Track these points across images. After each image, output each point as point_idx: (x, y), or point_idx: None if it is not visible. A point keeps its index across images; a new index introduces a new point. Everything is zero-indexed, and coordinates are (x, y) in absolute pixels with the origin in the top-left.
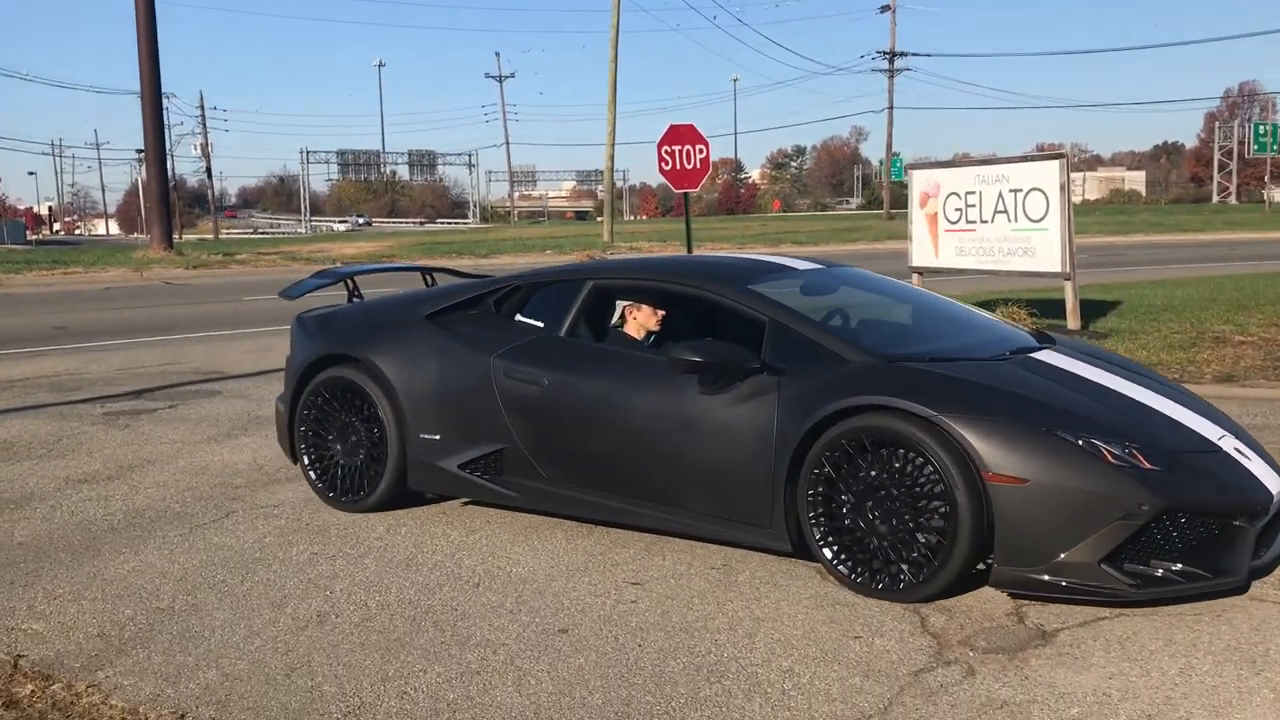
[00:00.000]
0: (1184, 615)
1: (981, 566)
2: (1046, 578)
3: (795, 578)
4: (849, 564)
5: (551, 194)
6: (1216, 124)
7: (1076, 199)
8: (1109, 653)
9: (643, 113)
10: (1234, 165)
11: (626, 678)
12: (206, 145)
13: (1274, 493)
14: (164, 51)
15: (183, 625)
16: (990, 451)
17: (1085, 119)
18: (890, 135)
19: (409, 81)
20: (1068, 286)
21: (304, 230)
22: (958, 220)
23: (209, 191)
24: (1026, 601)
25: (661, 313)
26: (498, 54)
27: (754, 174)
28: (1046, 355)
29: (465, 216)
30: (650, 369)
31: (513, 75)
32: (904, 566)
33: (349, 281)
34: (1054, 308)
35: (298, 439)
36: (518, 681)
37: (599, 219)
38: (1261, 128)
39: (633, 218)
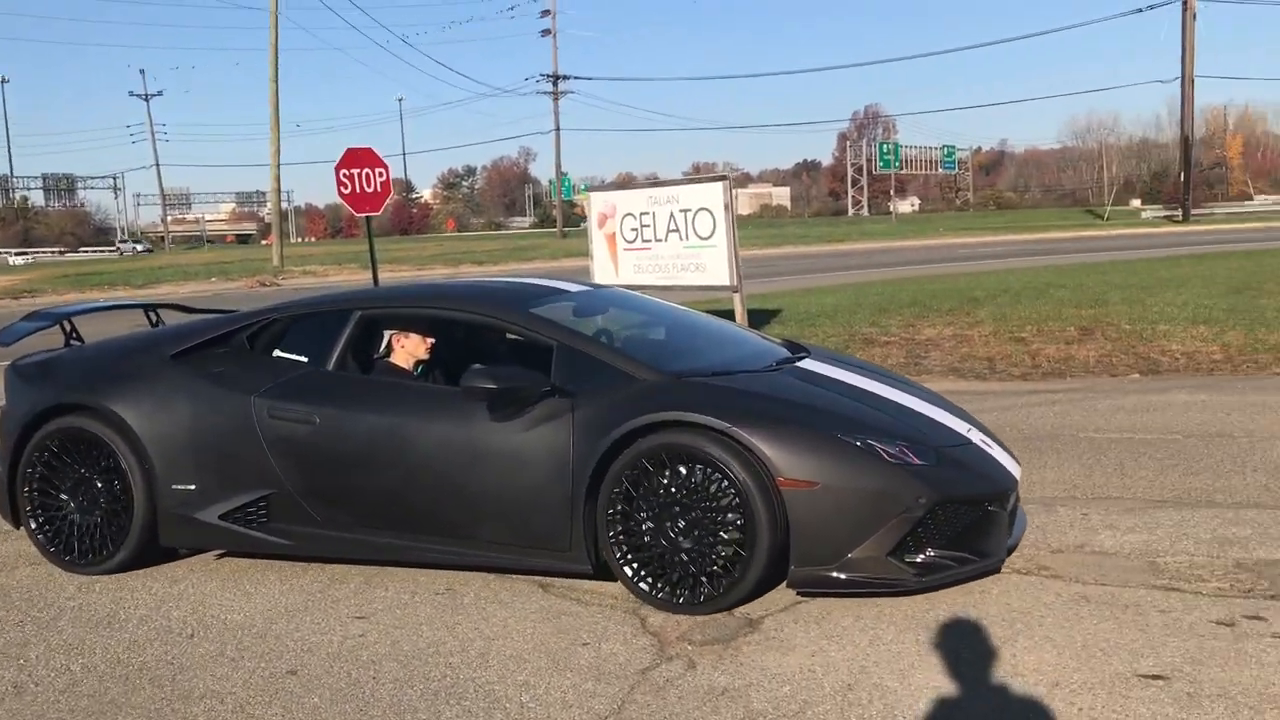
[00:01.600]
0: (860, 591)
1: None
2: (839, 575)
3: (519, 594)
4: (649, 580)
5: (210, 217)
6: (847, 143)
7: None
8: (809, 632)
9: (307, 133)
10: (864, 181)
11: (365, 710)
12: None
13: (1016, 477)
14: None
15: None
16: (782, 458)
17: (736, 139)
18: (558, 156)
19: (40, 101)
20: (736, 298)
21: None
22: (634, 239)
23: None
24: None
25: (431, 340)
26: (142, 71)
27: (426, 194)
28: (808, 364)
29: (111, 244)
30: (434, 399)
31: (160, 94)
32: (703, 579)
33: (65, 323)
34: (725, 319)
35: (20, 500)
36: None
37: (264, 242)
38: (885, 146)
39: (301, 240)
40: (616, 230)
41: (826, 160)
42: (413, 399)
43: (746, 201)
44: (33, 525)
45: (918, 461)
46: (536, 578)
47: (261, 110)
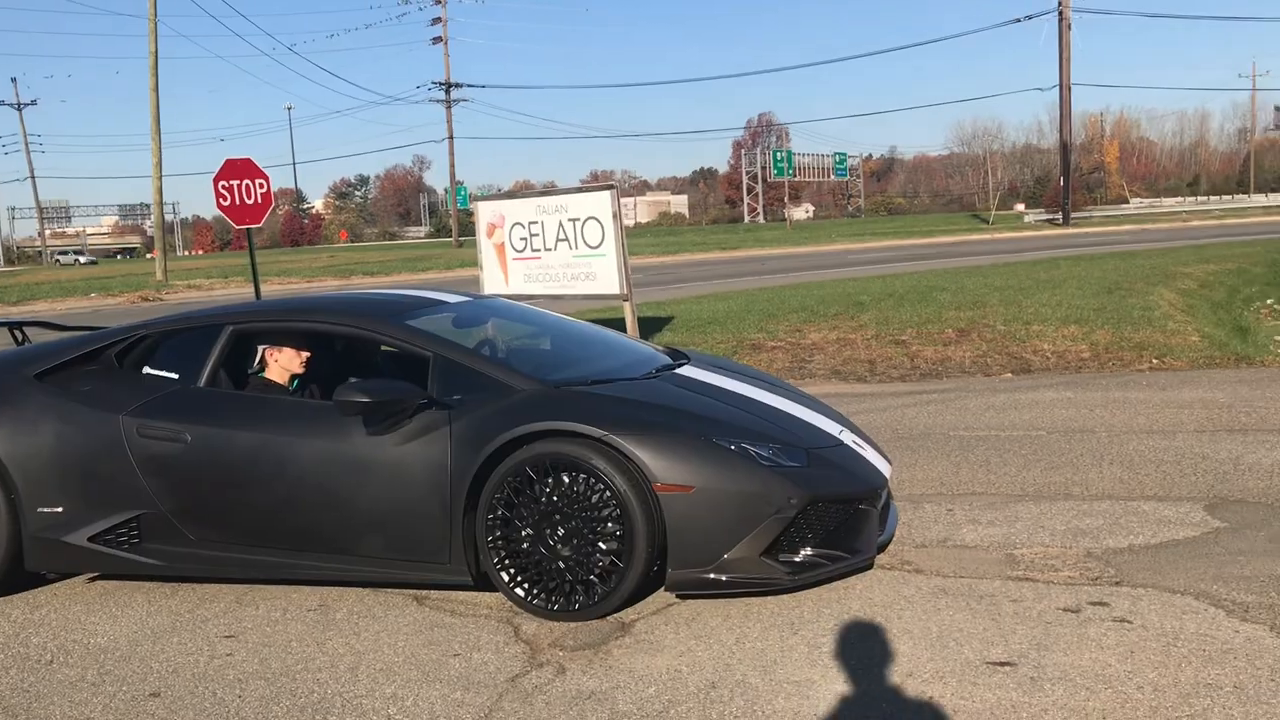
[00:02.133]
0: (736, 591)
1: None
2: (715, 576)
3: (393, 608)
4: (525, 586)
5: (91, 230)
6: (742, 152)
7: (629, 222)
8: (678, 634)
9: (194, 143)
10: (760, 188)
11: None
12: None
13: (886, 476)
14: None
15: None
16: (658, 463)
17: (634, 147)
18: (452, 164)
19: None
20: (626, 307)
21: None
22: (524, 249)
23: None
24: None
25: (306, 354)
26: (14, 79)
27: (318, 204)
28: (687, 370)
29: None
30: (308, 414)
31: (34, 103)
32: (579, 587)
33: None
34: (617, 326)
35: None
36: None
37: (149, 255)
38: (779, 154)
39: (188, 253)
40: (505, 240)
41: (723, 168)
42: (287, 414)
43: (645, 209)
44: None
45: (790, 463)
46: (412, 591)
47: (144, 120)
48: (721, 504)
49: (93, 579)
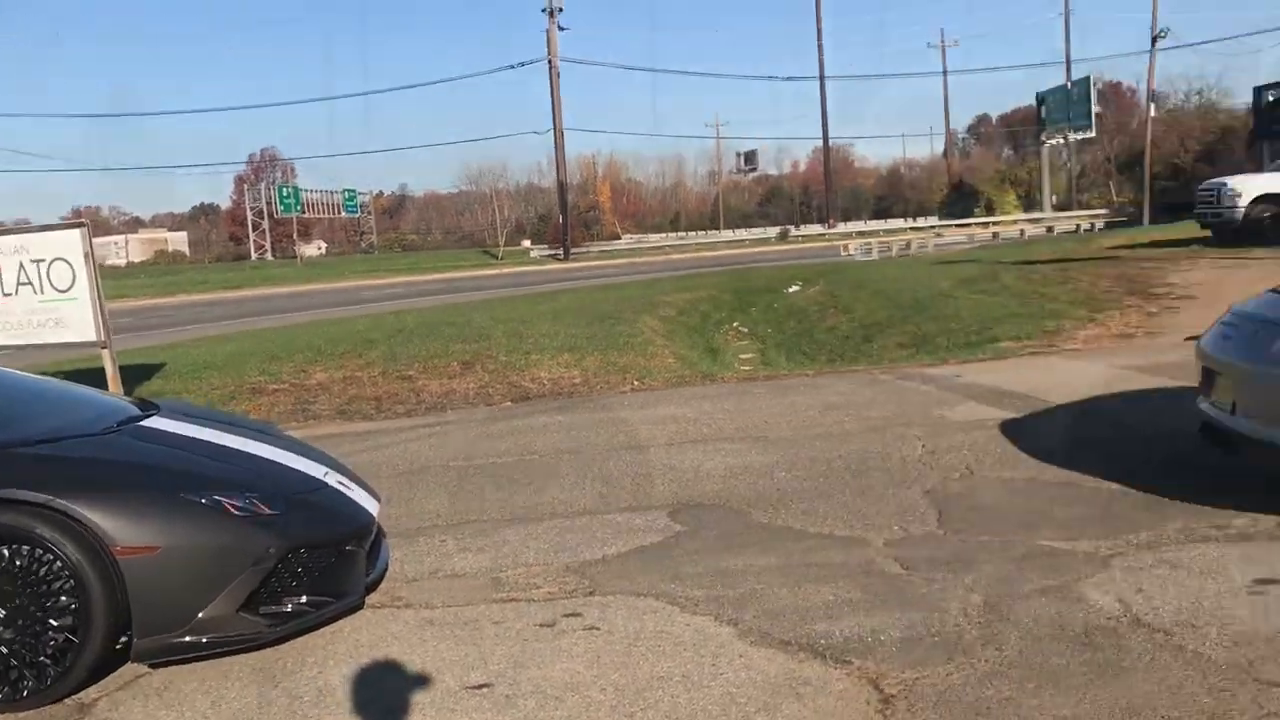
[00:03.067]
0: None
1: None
2: (190, 639)
3: None
4: None
5: None
6: (245, 187)
7: (120, 261)
8: (147, 706)
9: None
10: (266, 224)
11: None
12: None
13: (374, 514)
14: None
15: None
16: (117, 526)
17: (124, 182)
18: None
19: None
20: (105, 354)
21: None
22: None
23: None
24: None
25: None
26: None
27: None
28: (156, 422)
29: None
30: None
31: None
32: (28, 671)
33: None
34: (98, 377)
35: None
36: None
37: None
38: (285, 189)
39: None
40: None
41: (225, 204)
42: None
43: (139, 247)
44: None
45: (268, 511)
46: None
47: None
48: (192, 561)
49: None
